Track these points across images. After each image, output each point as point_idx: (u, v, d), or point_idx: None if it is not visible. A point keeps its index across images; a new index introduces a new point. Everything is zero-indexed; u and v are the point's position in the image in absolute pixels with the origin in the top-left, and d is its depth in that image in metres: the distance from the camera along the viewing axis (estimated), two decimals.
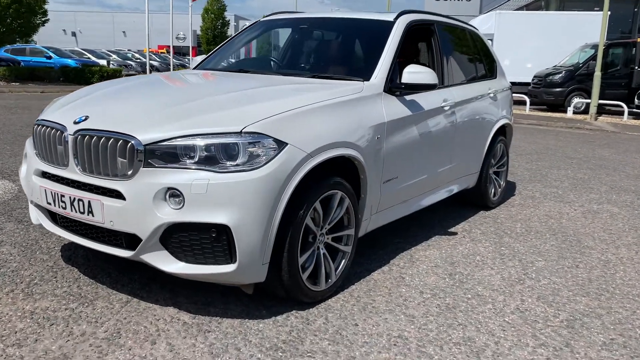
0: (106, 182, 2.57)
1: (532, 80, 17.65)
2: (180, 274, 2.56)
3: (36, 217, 3.07)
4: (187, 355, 2.37)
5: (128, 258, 2.61)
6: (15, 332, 2.48)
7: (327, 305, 2.89)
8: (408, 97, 3.54)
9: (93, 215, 2.61)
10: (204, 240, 2.48)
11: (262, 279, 2.63)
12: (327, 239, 2.96)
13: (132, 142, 2.49)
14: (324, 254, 2.93)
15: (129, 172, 2.51)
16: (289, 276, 2.68)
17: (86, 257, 3.35)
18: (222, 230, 2.45)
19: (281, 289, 2.76)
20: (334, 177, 2.89)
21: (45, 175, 2.87)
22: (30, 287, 2.95)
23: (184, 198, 2.43)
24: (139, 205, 2.48)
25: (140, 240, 2.52)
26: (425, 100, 3.70)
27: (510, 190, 5.83)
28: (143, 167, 2.49)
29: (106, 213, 2.56)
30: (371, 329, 2.67)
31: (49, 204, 2.81)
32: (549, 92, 16.83)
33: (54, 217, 2.97)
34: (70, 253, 3.43)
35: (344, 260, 3.07)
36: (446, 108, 3.96)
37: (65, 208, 2.71)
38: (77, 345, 2.40)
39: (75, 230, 2.84)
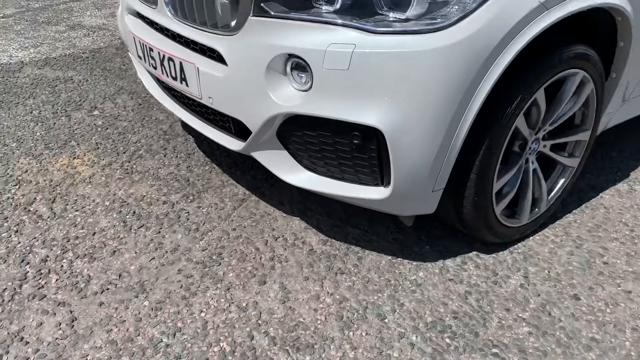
0: (202, 36, 1.65)
1: None
2: (305, 188, 1.68)
3: (139, 69, 2.33)
4: (304, 314, 1.57)
5: (237, 152, 1.78)
6: (94, 234, 1.88)
7: (528, 249, 1.86)
8: None
9: (187, 85, 1.75)
10: (341, 147, 1.52)
11: (431, 211, 1.64)
12: (544, 146, 1.82)
13: None
14: (534, 170, 1.83)
15: (233, 23, 1.56)
16: (475, 208, 1.66)
17: None
18: (371, 137, 1.45)
19: (459, 224, 1.77)
20: (576, 45, 1.64)
21: (138, 15, 2.05)
22: (132, 160, 2.32)
23: (312, 74, 1.43)
24: (245, 78, 1.56)
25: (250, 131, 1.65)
26: None
27: None
28: (253, 16, 1.50)
29: (203, 83, 1.69)
30: (604, 311, 1.62)
31: (140, 58, 2.01)
32: None
33: None
34: None
35: (562, 180, 1.93)
36: None
37: (155, 68, 1.89)
38: (163, 268, 1.73)
39: (176, 96, 2.06)
